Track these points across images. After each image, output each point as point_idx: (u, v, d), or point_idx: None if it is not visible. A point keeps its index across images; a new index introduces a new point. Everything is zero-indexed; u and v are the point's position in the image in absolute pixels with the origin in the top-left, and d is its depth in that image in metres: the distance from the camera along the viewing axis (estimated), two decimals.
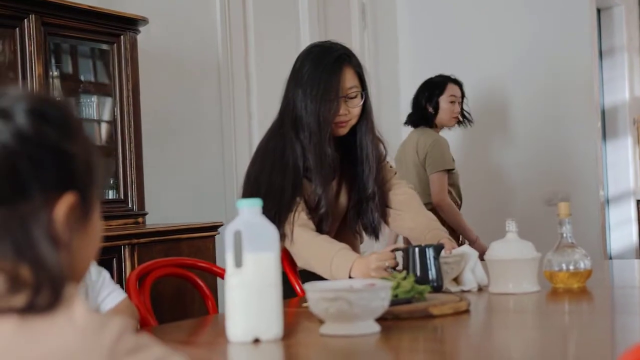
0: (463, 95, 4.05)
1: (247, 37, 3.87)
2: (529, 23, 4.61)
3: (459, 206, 3.98)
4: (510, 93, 4.69)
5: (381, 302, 1.55)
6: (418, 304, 1.79)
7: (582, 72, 4.56)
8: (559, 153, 4.60)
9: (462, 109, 4.04)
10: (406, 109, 4.88)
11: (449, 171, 3.90)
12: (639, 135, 5.61)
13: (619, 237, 5.30)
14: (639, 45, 5.63)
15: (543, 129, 4.62)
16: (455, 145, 4.76)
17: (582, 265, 2.10)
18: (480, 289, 2.15)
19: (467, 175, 4.77)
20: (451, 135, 4.25)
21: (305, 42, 4.11)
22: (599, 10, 5.09)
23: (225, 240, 1.54)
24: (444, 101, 3.98)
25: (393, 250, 2.13)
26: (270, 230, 1.54)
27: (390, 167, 2.56)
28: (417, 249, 2.04)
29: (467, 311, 1.82)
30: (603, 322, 1.87)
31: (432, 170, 3.88)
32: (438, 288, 2.02)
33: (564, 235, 2.14)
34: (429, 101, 3.99)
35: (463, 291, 2.11)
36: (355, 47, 4.51)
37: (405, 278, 1.88)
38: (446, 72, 4.55)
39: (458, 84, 4.05)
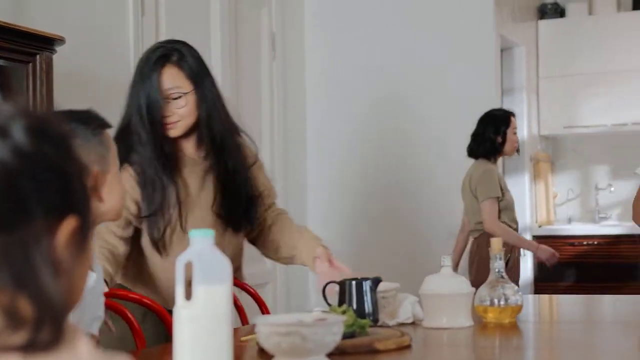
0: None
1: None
2: (438, 57, 4.70)
3: (516, 229, 4.33)
4: (415, 125, 4.75)
5: (333, 336, 1.52)
6: (362, 338, 1.78)
7: (487, 109, 4.67)
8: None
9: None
10: (313, 137, 4.91)
11: (500, 198, 4.20)
12: (535, 173, 5.78)
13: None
14: (536, 85, 5.82)
15: (446, 163, 4.69)
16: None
17: (512, 301, 2.13)
18: (414, 323, 2.15)
19: (368, 205, 4.82)
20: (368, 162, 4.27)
21: (216, 69, 4.06)
22: (501, 50, 5.24)
23: (176, 272, 1.48)
24: (510, 133, 4.28)
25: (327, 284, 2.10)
26: (223, 261, 1.49)
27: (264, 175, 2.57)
28: (354, 282, 2.02)
29: (409, 346, 1.82)
30: (531, 357, 1.90)
31: (482, 198, 4.19)
32: (374, 321, 2.01)
33: (496, 270, 2.16)
34: (497, 133, 4.26)
35: (399, 324, 2.11)
36: (264, 77, 4.52)
37: (344, 312, 1.86)
38: (352, 100, 4.65)
39: (514, 115, 4.40)
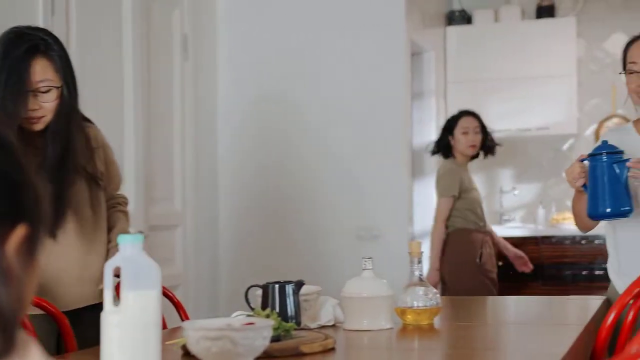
0: (483, 126, 4.60)
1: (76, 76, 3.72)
2: (350, 61, 4.74)
3: (481, 228, 4.53)
4: (327, 128, 4.80)
5: (263, 340, 1.53)
6: (288, 341, 1.79)
7: (397, 114, 4.75)
8: (373, 190, 4.74)
9: (486, 138, 4.60)
10: (225, 139, 4.90)
11: (457, 197, 4.46)
12: None
13: (424, 272, 5.52)
14: (444, 90, 5.94)
15: (357, 166, 4.75)
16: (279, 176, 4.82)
17: (431, 303, 2.18)
18: (334, 325, 2.18)
19: (278, 207, 4.84)
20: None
21: (128, 74, 4.02)
22: (412, 55, 5.32)
23: (105, 276, 1.47)
24: (458, 133, 4.55)
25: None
26: (152, 267, 1.49)
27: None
28: (276, 286, 2.04)
29: (333, 349, 1.84)
30: (447, 358, 1.95)
31: (438, 196, 4.56)
32: (297, 324, 2.03)
33: (415, 273, 2.21)
34: (449, 134, 4.60)
35: (320, 326, 2.13)
36: (176, 78, 4.49)
37: (268, 315, 1.87)
38: (264, 102, 4.69)
39: (473, 115, 4.62)
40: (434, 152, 4.73)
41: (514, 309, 2.88)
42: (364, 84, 4.73)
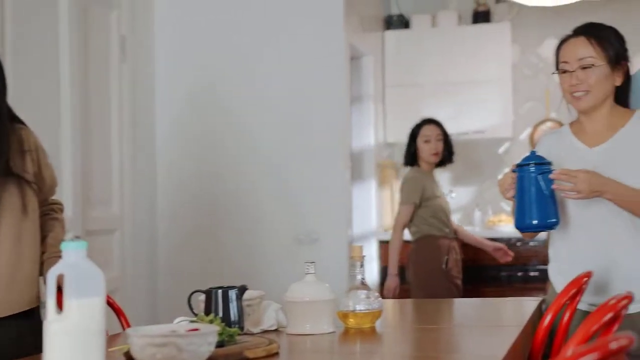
0: (445, 134, 4.71)
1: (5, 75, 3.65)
2: (289, 65, 4.75)
3: (447, 234, 4.63)
4: (265, 131, 4.80)
5: (209, 346, 1.53)
6: (232, 347, 1.79)
7: (336, 118, 4.77)
8: (312, 194, 4.76)
9: (447, 145, 4.72)
10: (162, 141, 4.86)
11: (418, 205, 4.57)
12: (381, 179, 5.95)
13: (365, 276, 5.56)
14: (383, 94, 5.99)
15: (297, 169, 4.76)
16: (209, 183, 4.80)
17: (372, 306, 2.20)
18: (277, 330, 2.19)
19: (217, 211, 4.82)
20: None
21: (64, 76, 3.97)
22: (350, 59, 5.35)
23: (48, 284, 1.45)
24: (420, 141, 4.68)
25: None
26: (96, 274, 1.48)
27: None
28: (220, 291, 2.03)
29: (277, 353, 1.85)
30: None
31: (399, 203, 4.68)
32: (240, 328, 2.03)
33: (357, 277, 2.23)
34: (413, 142, 4.72)
35: (263, 331, 2.14)
36: (113, 80, 4.44)
37: (212, 321, 1.87)
38: (202, 105, 4.69)
39: (435, 123, 4.72)
40: (406, 163, 4.82)
41: (455, 312, 2.91)
42: (303, 88, 4.75)
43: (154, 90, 4.87)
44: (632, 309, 2.30)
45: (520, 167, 2.45)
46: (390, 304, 2.82)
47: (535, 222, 2.42)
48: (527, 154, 2.52)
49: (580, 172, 2.37)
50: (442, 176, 6.19)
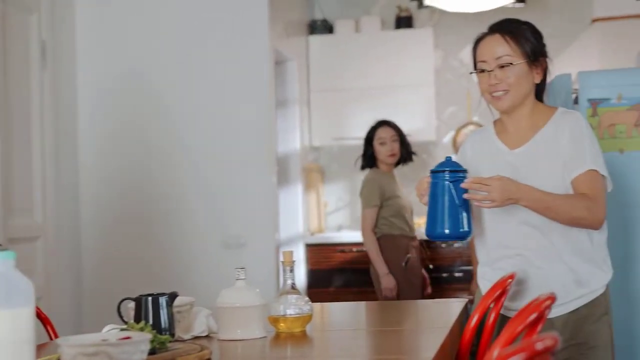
0: (400, 134, 4.77)
1: None
2: (213, 69, 4.74)
3: (408, 233, 4.72)
4: (191, 136, 4.77)
5: (141, 354, 1.53)
6: (163, 354, 1.79)
7: (262, 122, 4.78)
8: (239, 199, 4.75)
9: (403, 145, 4.78)
10: (85, 148, 4.79)
11: (380, 206, 4.64)
12: (306, 183, 5.98)
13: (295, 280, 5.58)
14: (307, 98, 6.02)
15: (223, 174, 4.75)
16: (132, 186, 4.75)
17: (303, 310, 2.21)
18: (208, 335, 2.18)
19: (143, 216, 4.78)
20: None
21: None
22: (275, 63, 5.36)
23: None
24: (376, 144, 4.75)
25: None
26: (25, 284, 1.46)
27: None
28: (150, 298, 2.02)
29: (209, 359, 1.85)
30: None
31: (362, 207, 4.74)
32: (171, 336, 2.02)
33: (287, 281, 2.24)
34: (370, 145, 4.77)
35: (194, 337, 2.13)
36: (34, 86, 4.35)
37: (142, 328, 1.86)
38: (126, 110, 4.66)
39: (389, 125, 4.78)
40: (363, 167, 4.86)
41: (383, 314, 2.93)
42: (228, 92, 4.74)
43: (76, 96, 4.80)
44: (552, 313, 2.33)
45: (434, 174, 2.37)
46: (319, 308, 2.83)
47: (446, 231, 2.33)
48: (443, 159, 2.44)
49: (494, 180, 2.29)
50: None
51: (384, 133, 4.77)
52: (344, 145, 6.08)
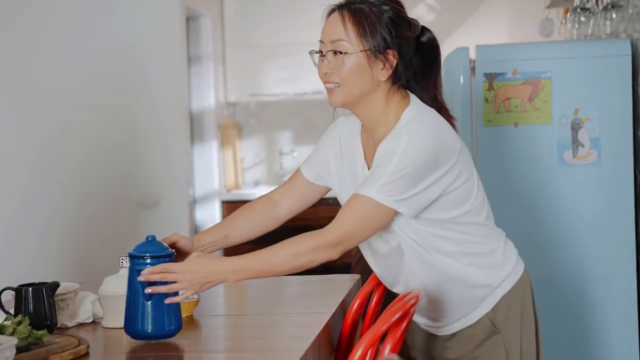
0: None
1: None
2: (122, 27, 4.66)
3: None
4: (100, 93, 4.70)
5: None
6: (37, 351, 1.79)
7: (173, 78, 4.73)
8: (150, 156, 4.72)
9: None
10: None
11: None
12: (222, 139, 5.96)
13: None
14: (222, 54, 5.96)
15: (134, 132, 4.70)
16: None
17: (191, 296, 2.23)
18: (94, 321, 2.19)
19: (47, 175, 4.71)
20: None
21: None
22: (187, 19, 5.30)
23: None
24: None
25: None
26: None
27: None
28: (30, 289, 2.02)
29: (87, 354, 1.85)
30: (211, 348, 2.03)
31: None
32: (52, 326, 2.02)
33: None
34: None
35: (79, 324, 2.14)
36: None
37: (20, 322, 1.86)
38: (39, 77, 4.54)
39: None
40: None
41: (276, 294, 2.82)
42: (138, 49, 4.67)
43: None
44: (457, 326, 2.09)
45: (132, 259, 1.92)
46: (207, 292, 2.82)
47: (148, 330, 1.92)
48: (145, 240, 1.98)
49: (184, 266, 1.90)
50: (283, 136, 6.27)
51: None
52: (260, 102, 6.07)
